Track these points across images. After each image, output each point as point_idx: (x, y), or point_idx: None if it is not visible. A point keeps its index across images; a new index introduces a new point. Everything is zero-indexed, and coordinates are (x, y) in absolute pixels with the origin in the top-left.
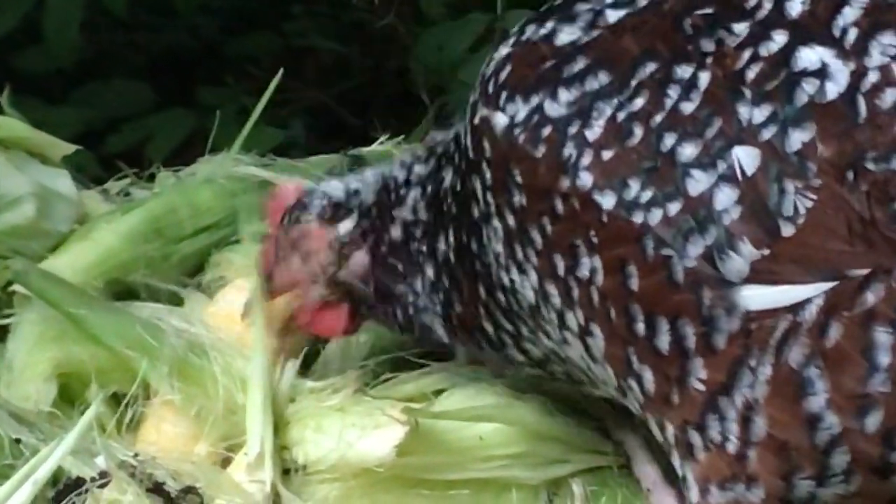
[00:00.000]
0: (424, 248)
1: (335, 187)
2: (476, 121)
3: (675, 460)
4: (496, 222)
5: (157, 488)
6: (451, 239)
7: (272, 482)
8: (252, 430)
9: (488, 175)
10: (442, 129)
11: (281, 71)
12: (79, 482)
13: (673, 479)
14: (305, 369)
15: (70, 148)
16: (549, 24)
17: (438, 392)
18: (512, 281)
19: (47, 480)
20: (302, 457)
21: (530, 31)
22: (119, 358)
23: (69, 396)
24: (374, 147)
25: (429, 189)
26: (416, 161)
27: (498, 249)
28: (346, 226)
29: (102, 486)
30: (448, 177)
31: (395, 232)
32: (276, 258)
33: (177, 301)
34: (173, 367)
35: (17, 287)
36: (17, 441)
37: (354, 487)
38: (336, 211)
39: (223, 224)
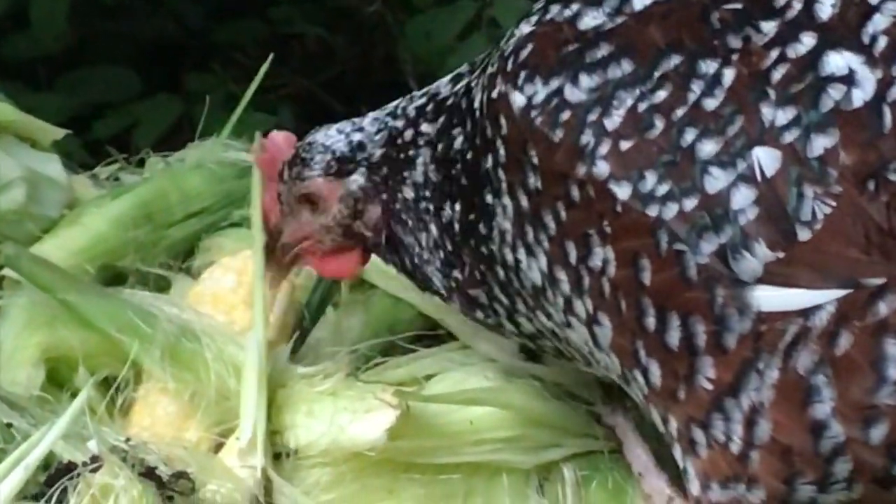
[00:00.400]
0: (431, 208)
1: (335, 139)
2: (494, 95)
3: (677, 453)
4: (506, 199)
5: (148, 473)
6: (458, 211)
7: (263, 467)
8: (245, 415)
9: (502, 152)
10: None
11: (270, 57)
12: (70, 467)
13: (664, 464)
14: (296, 354)
15: (59, 132)
16: (574, 6)
17: (429, 377)
18: (517, 261)
19: (39, 465)
20: (293, 441)
21: (554, 11)
22: (109, 342)
23: (59, 381)
24: None
25: (439, 148)
26: (422, 116)
27: (505, 227)
28: (356, 181)
29: (94, 470)
30: (459, 139)
31: (408, 193)
32: (283, 213)
33: (166, 286)
34: (165, 352)
35: (6, 271)
36: (9, 426)
37: (345, 472)
38: (341, 165)
39: (213, 209)
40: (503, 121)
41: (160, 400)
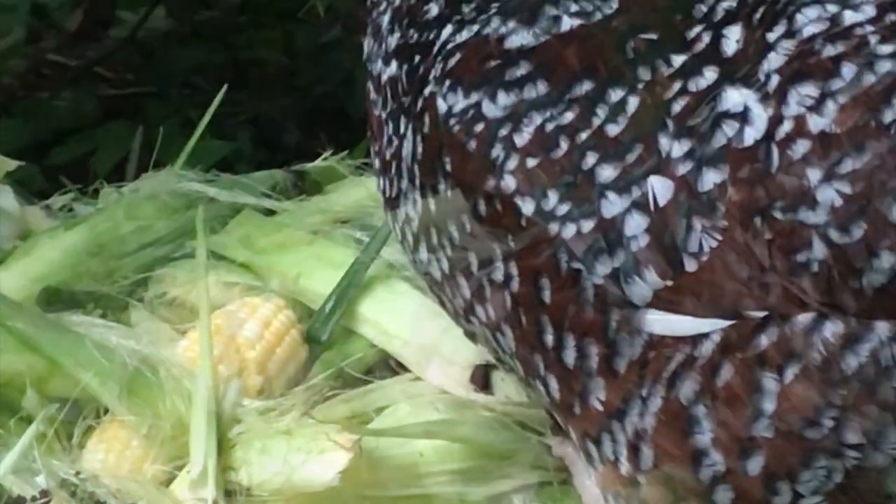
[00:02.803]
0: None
1: None
2: (426, 93)
3: (583, 461)
4: (417, 195)
5: None
6: (390, 131)
7: (215, 499)
8: (195, 447)
9: (420, 149)
10: None
11: (226, 85)
12: (19, 501)
13: None
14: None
15: (12, 164)
16: (511, 24)
17: (380, 409)
18: (416, 251)
19: None
20: (246, 479)
21: (493, 25)
22: (59, 369)
23: (9, 407)
24: (318, 162)
25: (415, 58)
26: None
27: (412, 215)
28: None
29: None
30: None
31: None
32: None
33: (118, 318)
34: (124, 387)
35: None
36: None
37: None
38: None
39: (166, 240)
40: (427, 121)
41: (118, 434)
